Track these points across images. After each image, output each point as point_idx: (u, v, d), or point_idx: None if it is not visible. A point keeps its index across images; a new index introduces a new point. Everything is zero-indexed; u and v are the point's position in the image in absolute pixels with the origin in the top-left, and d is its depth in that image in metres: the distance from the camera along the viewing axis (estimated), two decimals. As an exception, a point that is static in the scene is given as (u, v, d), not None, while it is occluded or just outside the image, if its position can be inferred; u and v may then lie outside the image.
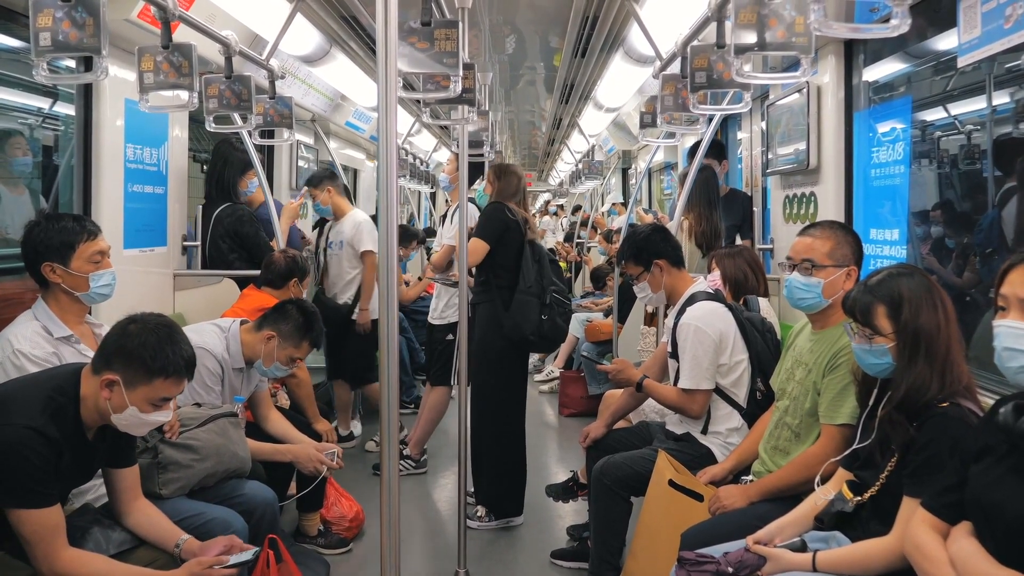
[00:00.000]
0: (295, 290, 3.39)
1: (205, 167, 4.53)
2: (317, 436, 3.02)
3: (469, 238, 3.38)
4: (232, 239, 3.69)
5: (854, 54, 3.09)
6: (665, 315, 3.28)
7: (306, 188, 4.21)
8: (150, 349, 1.75)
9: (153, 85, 2.29)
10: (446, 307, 4.03)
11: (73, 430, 1.77)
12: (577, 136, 7.94)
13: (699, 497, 2.32)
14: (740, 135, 5.30)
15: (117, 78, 2.94)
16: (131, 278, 3.02)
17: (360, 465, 4.11)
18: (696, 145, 3.78)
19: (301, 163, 5.55)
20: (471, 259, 3.38)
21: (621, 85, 4.99)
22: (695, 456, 2.53)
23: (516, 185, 3.58)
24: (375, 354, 4.28)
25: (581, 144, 7.88)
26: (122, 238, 3.07)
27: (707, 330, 2.54)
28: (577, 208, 11.50)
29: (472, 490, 3.50)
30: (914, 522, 1.52)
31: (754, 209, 4.21)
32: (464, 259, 2.92)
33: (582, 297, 6.77)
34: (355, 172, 7.23)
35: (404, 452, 4.05)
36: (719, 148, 4.30)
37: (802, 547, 1.75)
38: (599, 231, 7.69)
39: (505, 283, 3.43)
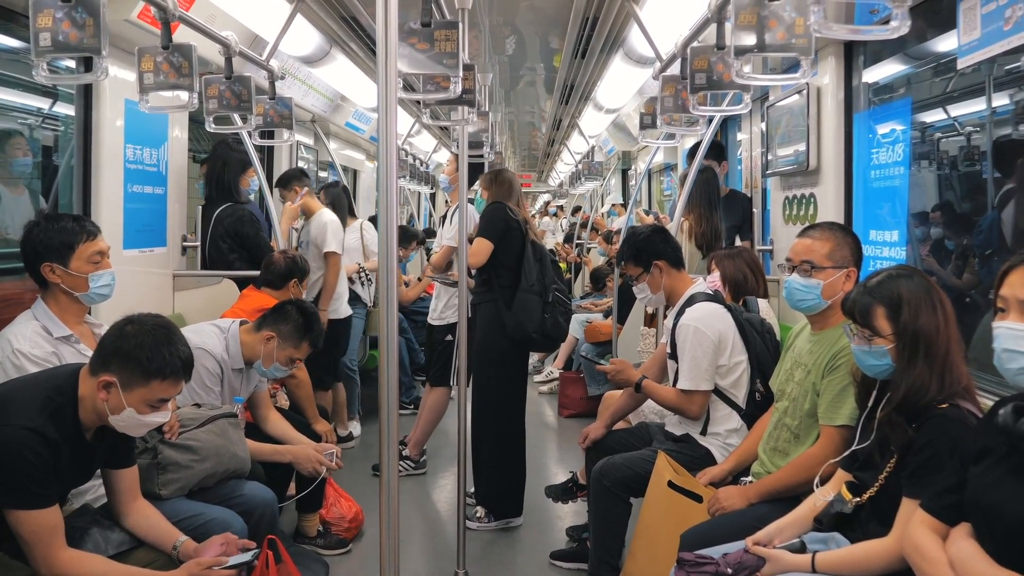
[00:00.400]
0: (295, 291, 3.39)
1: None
2: (316, 437, 3.02)
3: (470, 239, 3.38)
4: (232, 239, 3.69)
5: (854, 55, 3.08)
6: (664, 316, 3.28)
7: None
8: (147, 350, 1.75)
9: (153, 85, 2.30)
10: (445, 308, 4.03)
11: (72, 431, 1.77)
12: (577, 137, 7.94)
13: (698, 498, 2.32)
14: (740, 136, 5.30)
15: (117, 78, 2.94)
16: (131, 278, 3.02)
17: (360, 465, 4.11)
18: (696, 146, 3.77)
19: (301, 164, 5.55)
20: (476, 259, 3.38)
21: (621, 86, 4.99)
22: (694, 457, 2.53)
23: (510, 187, 3.58)
24: (334, 358, 4.26)
25: (581, 145, 7.87)
26: (122, 238, 3.07)
27: (706, 331, 2.54)
28: (577, 209, 11.51)
29: (472, 490, 3.50)
30: (913, 523, 1.52)
31: (754, 210, 4.21)
32: (464, 259, 2.92)
33: (582, 298, 6.76)
34: (355, 173, 7.24)
35: (403, 453, 4.05)
36: (719, 149, 4.30)
37: (801, 548, 1.75)
38: (599, 232, 7.69)
39: (507, 282, 3.43)
